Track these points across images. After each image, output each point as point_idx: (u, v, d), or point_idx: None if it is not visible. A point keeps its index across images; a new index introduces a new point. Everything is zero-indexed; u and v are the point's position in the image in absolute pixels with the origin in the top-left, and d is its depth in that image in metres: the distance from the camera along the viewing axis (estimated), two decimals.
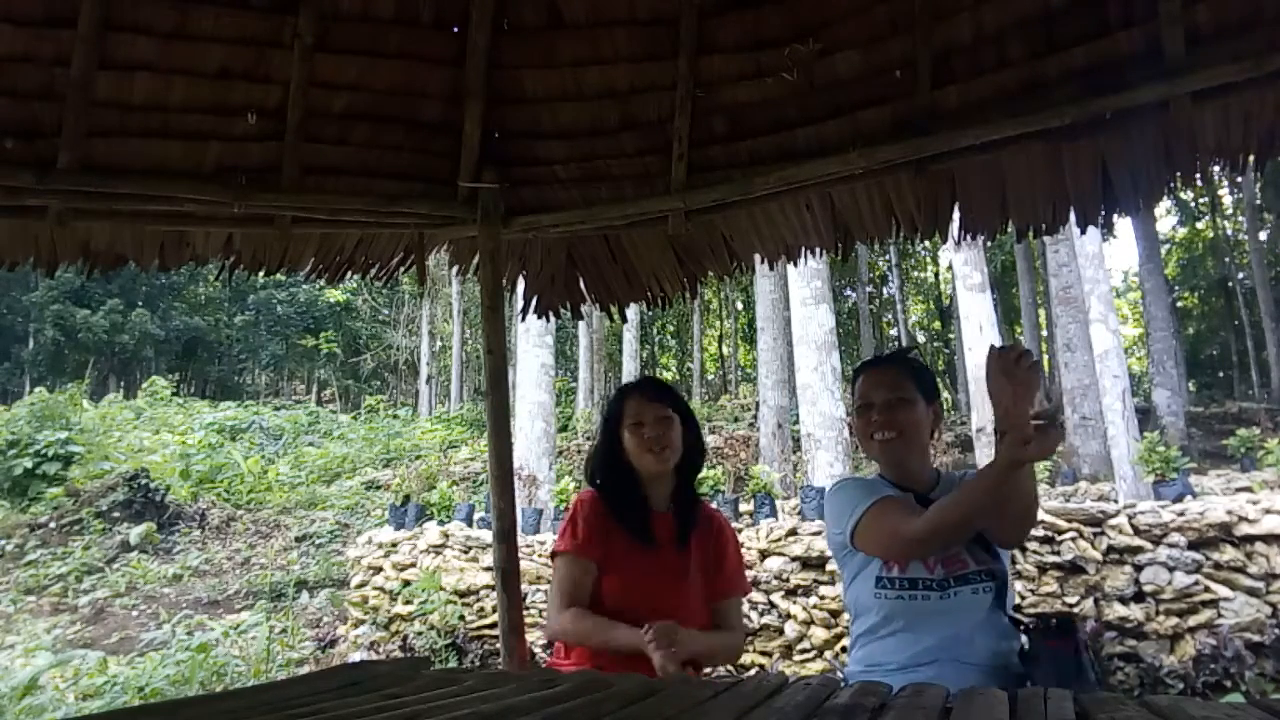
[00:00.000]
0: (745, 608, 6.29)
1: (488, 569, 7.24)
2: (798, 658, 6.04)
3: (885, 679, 1.62)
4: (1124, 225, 25.74)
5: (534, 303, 3.38)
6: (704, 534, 2.16)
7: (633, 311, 3.58)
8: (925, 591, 1.80)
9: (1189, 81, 2.27)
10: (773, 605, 6.23)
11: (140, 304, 29.07)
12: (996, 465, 1.63)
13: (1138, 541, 5.47)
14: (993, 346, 1.66)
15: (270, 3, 2.68)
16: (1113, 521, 5.58)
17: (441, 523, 8.31)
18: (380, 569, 8.14)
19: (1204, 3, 2.28)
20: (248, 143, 2.78)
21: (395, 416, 21.83)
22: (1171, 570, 5.35)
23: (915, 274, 30.95)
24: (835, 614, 5.94)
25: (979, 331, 9.81)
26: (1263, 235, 22.90)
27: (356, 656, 7.27)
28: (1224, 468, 11.23)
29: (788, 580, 6.21)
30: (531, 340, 11.18)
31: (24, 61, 2.52)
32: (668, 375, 30.22)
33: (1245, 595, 5.23)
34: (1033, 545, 5.62)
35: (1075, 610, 5.39)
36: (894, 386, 1.93)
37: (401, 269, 3.25)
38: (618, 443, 2.14)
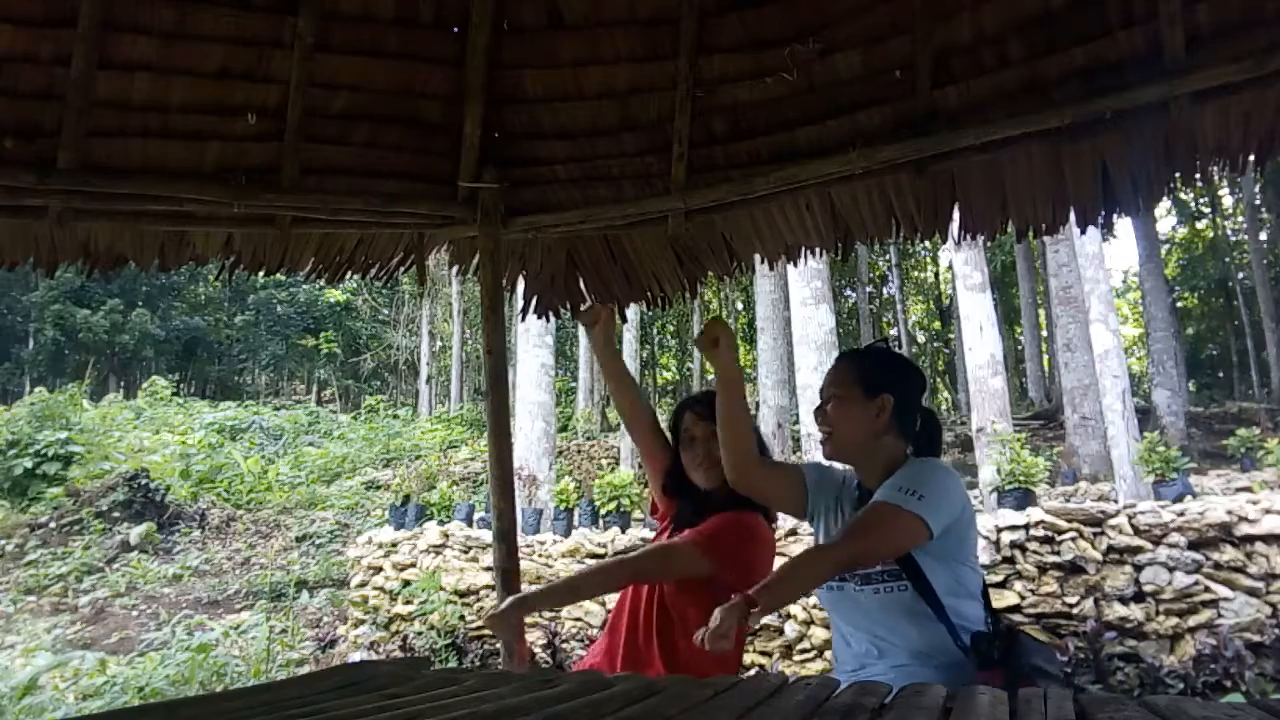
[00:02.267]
0: None
1: (488, 569, 7.23)
2: (798, 658, 6.04)
3: (845, 676, 1.65)
4: (1124, 225, 25.74)
5: (534, 303, 3.38)
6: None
7: (633, 311, 3.58)
8: (841, 583, 1.84)
9: (1189, 81, 2.28)
10: None
11: (140, 304, 29.03)
12: None
13: (1138, 541, 5.47)
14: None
15: (270, 3, 2.68)
16: (1113, 521, 5.58)
17: (441, 523, 8.31)
18: (380, 569, 8.14)
19: (1204, 3, 2.28)
20: (248, 143, 2.78)
21: (395, 416, 21.82)
22: (1171, 570, 5.35)
23: (915, 274, 30.94)
24: None
25: (979, 331, 9.81)
26: (1263, 235, 22.89)
27: (356, 656, 7.27)
28: (1224, 468, 11.23)
29: None
30: (531, 340, 11.18)
31: (24, 61, 2.52)
32: (667, 375, 30.21)
33: (1245, 595, 5.22)
34: (1033, 545, 5.62)
35: (1075, 610, 5.39)
36: (830, 383, 1.95)
37: (401, 269, 3.25)
38: (678, 453, 2.27)
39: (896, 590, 1.76)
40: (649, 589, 2.14)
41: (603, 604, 6.46)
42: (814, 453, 9.67)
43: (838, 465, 2.03)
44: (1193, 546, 5.39)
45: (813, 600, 6.08)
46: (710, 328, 1.95)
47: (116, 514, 11.85)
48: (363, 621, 7.92)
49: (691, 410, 2.23)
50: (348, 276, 3.31)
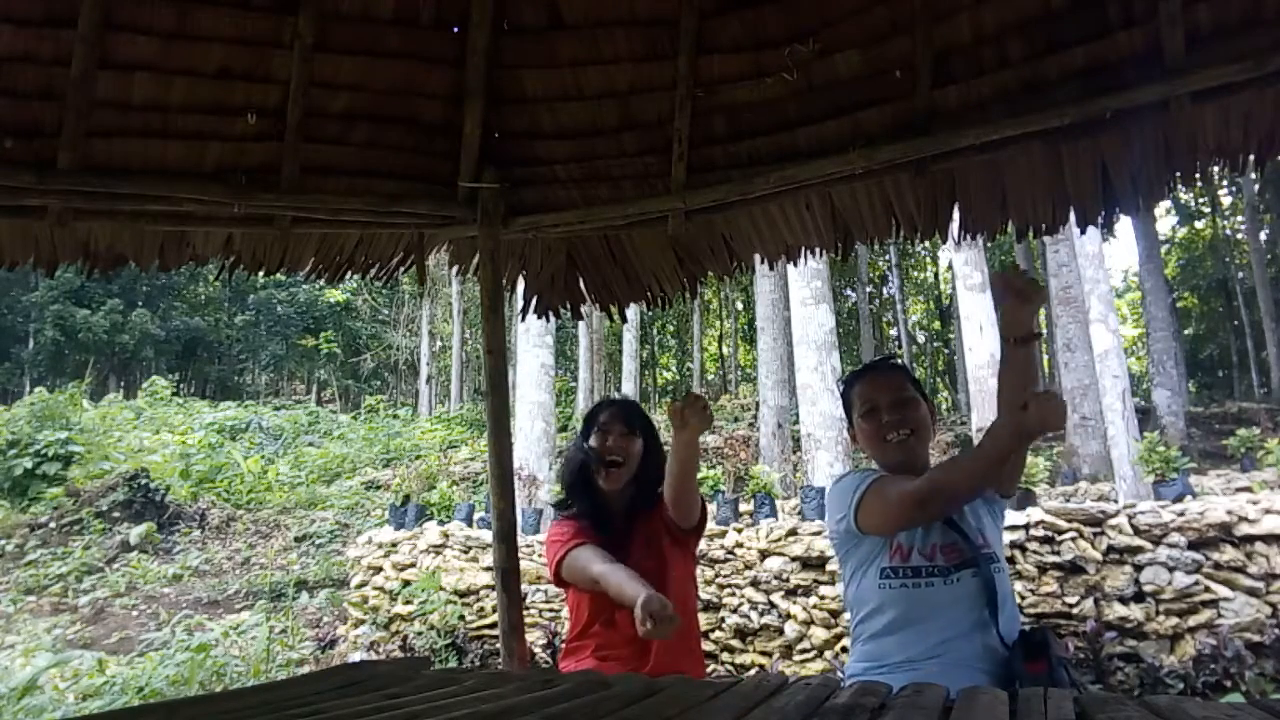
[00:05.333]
0: (745, 607, 6.29)
1: (488, 569, 7.24)
2: (798, 658, 6.04)
3: (887, 676, 1.62)
4: (1124, 225, 25.73)
5: (534, 303, 3.38)
6: (645, 520, 2.30)
7: (633, 311, 3.58)
8: (930, 579, 1.82)
9: (1189, 81, 2.28)
10: (773, 605, 6.23)
11: (140, 304, 29.03)
12: (1000, 433, 1.69)
13: (1138, 541, 5.47)
14: (1002, 273, 1.87)
15: (270, 3, 2.68)
16: (1113, 521, 5.58)
17: (441, 523, 8.31)
18: (380, 569, 8.14)
19: (1204, 3, 2.28)
20: (248, 143, 2.78)
21: (395, 416, 21.82)
22: (1171, 570, 5.35)
23: (915, 274, 30.92)
24: (835, 614, 5.94)
25: (979, 331, 9.82)
26: (1263, 235, 22.88)
27: (356, 656, 7.27)
28: (1224, 468, 11.22)
29: (788, 580, 6.21)
30: (531, 340, 11.18)
31: (24, 61, 2.52)
32: (667, 375, 30.23)
33: (1245, 595, 5.22)
34: (1033, 545, 5.62)
35: (1075, 610, 5.39)
36: (897, 387, 1.97)
37: (401, 269, 3.25)
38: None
39: (989, 572, 1.82)
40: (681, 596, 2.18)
41: None
42: (814, 453, 9.67)
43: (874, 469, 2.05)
44: (1193, 546, 5.39)
45: (813, 600, 6.08)
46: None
47: (116, 514, 11.85)
48: (363, 621, 7.92)
49: (602, 430, 2.32)
50: (348, 276, 3.31)
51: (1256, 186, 20.88)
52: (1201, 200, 25.96)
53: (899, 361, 2.14)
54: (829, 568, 6.04)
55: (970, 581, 1.80)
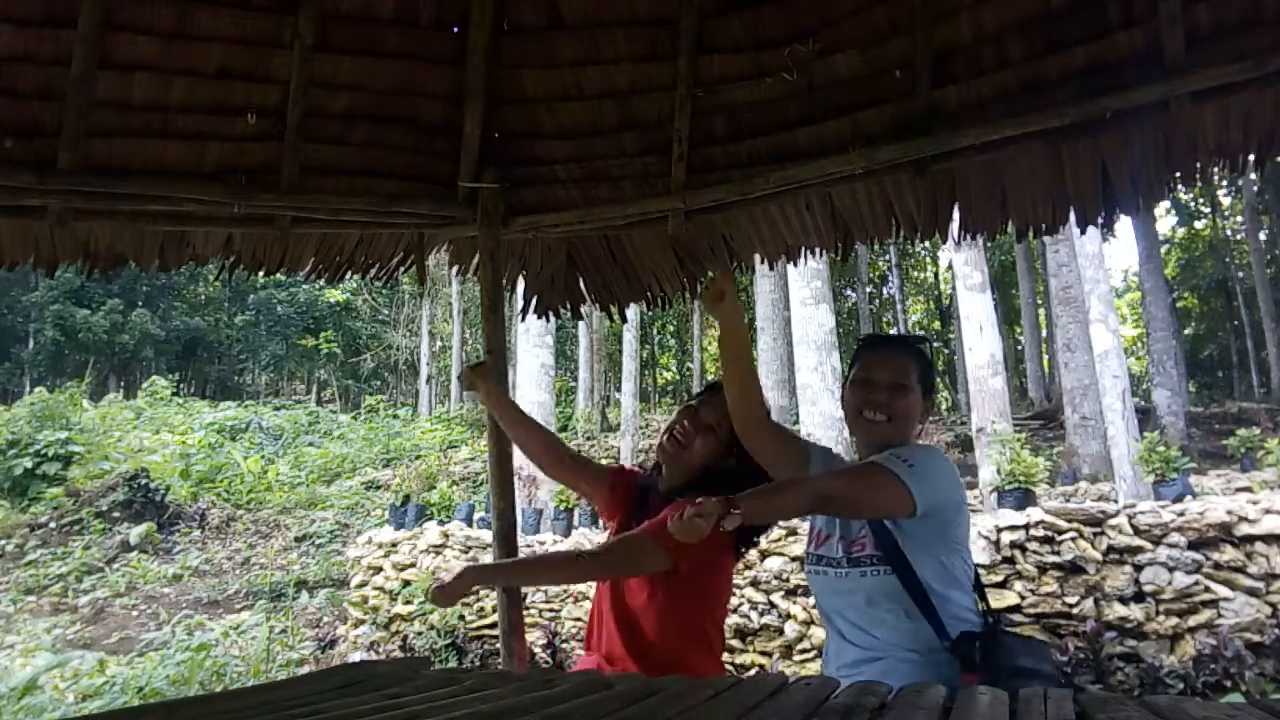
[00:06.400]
0: (745, 607, 6.29)
1: None
2: (798, 658, 6.04)
3: (834, 669, 1.66)
4: (1124, 225, 25.66)
5: (534, 303, 3.38)
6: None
7: (633, 311, 3.58)
8: (827, 568, 1.86)
9: (1189, 81, 2.28)
10: (773, 605, 6.23)
11: (140, 304, 29.05)
12: None
13: (1138, 541, 5.46)
14: None
15: (270, 3, 2.69)
16: (1113, 521, 5.57)
17: (441, 523, 8.31)
18: (380, 569, 8.14)
19: (1204, 2, 2.28)
20: (248, 143, 2.78)
21: (395, 416, 21.82)
22: (1171, 570, 5.35)
23: (915, 274, 30.94)
24: None
25: (979, 331, 9.81)
26: (1262, 235, 22.89)
27: (356, 656, 7.27)
28: (1224, 468, 11.22)
29: (788, 580, 6.21)
30: (531, 340, 11.18)
31: (24, 61, 2.53)
32: (667, 375, 30.22)
33: (1245, 595, 5.22)
34: (1033, 545, 5.62)
35: (1075, 610, 5.39)
36: (899, 371, 1.90)
37: (401, 269, 3.25)
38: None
39: (884, 574, 1.75)
40: (611, 598, 2.07)
41: None
42: None
43: (844, 456, 2.04)
44: (1193, 546, 5.39)
45: (813, 600, 6.08)
46: (716, 281, 1.93)
47: (116, 514, 11.86)
48: (363, 621, 7.93)
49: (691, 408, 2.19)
50: (348, 276, 3.32)
51: (1256, 186, 20.89)
52: (1201, 200, 25.97)
53: (923, 348, 2.03)
54: None
55: (858, 581, 1.77)
